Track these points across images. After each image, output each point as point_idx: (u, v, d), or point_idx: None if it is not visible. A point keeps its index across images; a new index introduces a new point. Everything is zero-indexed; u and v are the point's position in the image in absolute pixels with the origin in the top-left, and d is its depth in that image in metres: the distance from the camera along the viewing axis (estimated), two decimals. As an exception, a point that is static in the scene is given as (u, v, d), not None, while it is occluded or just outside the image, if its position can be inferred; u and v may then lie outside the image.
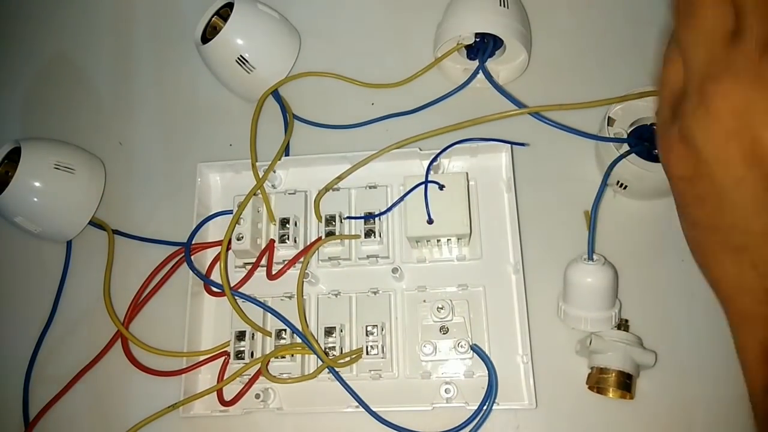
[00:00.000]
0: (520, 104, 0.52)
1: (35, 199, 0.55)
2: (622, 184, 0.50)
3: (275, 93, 0.59)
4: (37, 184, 0.54)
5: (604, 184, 0.47)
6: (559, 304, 0.47)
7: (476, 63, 0.54)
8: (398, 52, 0.60)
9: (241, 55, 0.55)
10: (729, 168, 0.23)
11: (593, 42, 0.57)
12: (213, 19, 0.56)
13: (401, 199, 0.49)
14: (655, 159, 0.47)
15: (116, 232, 0.57)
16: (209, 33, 0.56)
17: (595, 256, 0.45)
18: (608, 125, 0.49)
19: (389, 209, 0.51)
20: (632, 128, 0.49)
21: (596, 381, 0.45)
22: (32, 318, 0.56)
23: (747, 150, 0.23)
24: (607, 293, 0.45)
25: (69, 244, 0.58)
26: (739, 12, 0.23)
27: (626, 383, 0.44)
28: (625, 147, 0.47)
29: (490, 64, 0.55)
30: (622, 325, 0.46)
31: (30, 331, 0.56)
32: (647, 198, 0.50)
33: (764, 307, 0.24)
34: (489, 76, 0.54)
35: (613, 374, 0.44)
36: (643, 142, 0.47)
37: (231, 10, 0.55)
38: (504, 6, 0.52)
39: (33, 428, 0.52)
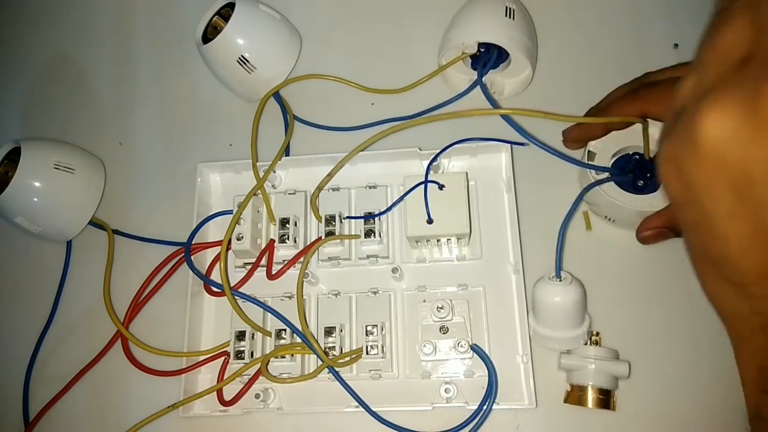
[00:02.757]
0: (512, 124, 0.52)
1: (35, 199, 0.55)
2: (610, 219, 0.50)
3: (276, 94, 0.59)
4: (37, 184, 0.54)
5: (575, 206, 0.45)
6: (528, 322, 0.47)
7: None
8: (401, 57, 0.60)
9: (242, 55, 0.55)
10: (718, 199, 0.21)
11: (602, 62, 0.56)
12: (214, 18, 0.56)
13: (401, 198, 0.49)
14: (638, 190, 0.46)
15: (116, 231, 0.57)
16: (210, 33, 0.56)
17: (562, 274, 0.44)
18: (589, 159, 0.48)
19: (389, 209, 0.51)
20: (615, 159, 0.48)
21: (576, 400, 0.45)
22: (32, 318, 0.56)
23: (736, 182, 0.21)
24: (575, 312, 0.44)
25: (69, 244, 0.58)
26: (758, 32, 0.20)
27: (603, 399, 0.44)
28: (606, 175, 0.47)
29: (497, 76, 0.54)
30: (592, 340, 0.46)
31: (30, 331, 0.56)
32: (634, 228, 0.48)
33: (760, 339, 0.24)
34: (484, 88, 0.52)
35: (589, 391, 0.45)
36: (626, 173, 0.46)
37: (232, 10, 0.55)
38: (510, 17, 0.51)
39: (33, 428, 0.52)
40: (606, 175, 0.47)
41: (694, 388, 0.46)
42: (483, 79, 0.53)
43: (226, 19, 0.55)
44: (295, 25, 0.61)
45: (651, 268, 0.49)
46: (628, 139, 0.48)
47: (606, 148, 0.48)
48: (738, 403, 0.45)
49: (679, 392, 0.46)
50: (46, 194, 0.55)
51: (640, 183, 0.46)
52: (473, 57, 0.53)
